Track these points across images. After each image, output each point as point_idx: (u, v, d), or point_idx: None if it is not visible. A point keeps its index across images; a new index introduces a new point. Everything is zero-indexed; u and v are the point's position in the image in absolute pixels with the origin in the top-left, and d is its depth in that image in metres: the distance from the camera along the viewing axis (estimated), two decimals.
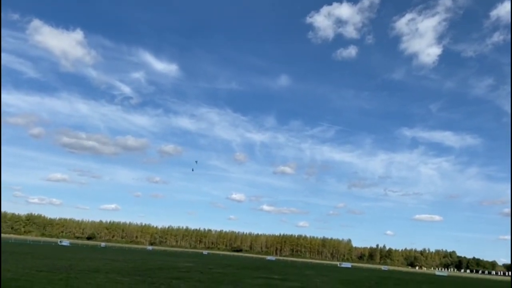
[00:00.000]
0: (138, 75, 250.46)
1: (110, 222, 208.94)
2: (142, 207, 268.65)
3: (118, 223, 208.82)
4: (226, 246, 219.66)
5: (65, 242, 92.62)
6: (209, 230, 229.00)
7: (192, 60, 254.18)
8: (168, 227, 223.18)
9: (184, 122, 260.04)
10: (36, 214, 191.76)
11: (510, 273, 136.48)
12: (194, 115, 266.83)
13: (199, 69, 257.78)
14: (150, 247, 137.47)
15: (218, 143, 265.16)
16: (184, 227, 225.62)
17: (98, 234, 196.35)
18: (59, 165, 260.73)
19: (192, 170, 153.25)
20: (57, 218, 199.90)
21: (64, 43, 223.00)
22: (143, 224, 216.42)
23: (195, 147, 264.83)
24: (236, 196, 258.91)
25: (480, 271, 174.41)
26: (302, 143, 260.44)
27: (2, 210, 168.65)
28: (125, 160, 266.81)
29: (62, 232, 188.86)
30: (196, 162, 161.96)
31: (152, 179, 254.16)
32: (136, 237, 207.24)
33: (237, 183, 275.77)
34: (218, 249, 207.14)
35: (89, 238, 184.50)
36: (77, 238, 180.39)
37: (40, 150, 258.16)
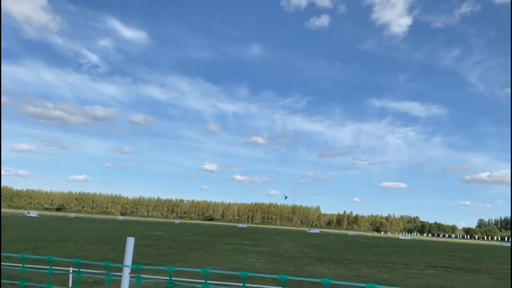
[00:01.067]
0: (105, 42, 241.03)
1: (79, 193, 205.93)
2: (112, 178, 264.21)
3: (88, 194, 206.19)
4: (198, 215, 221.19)
5: (33, 214, 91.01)
6: (181, 200, 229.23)
7: (161, 28, 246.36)
8: (139, 198, 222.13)
9: (154, 92, 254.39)
10: (2, 185, 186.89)
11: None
12: (164, 85, 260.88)
13: (169, 37, 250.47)
14: (121, 217, 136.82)
15: (190, 113, 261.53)
16: (156, 197, 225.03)
17: (67, 205, 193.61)
18: (25, 135, 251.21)
19: (285, 198, 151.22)
20: (25, 189, 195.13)
21: (26, 8, 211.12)
22: (114, 194, 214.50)
23: (165, 117, 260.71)
24: (209, 166, 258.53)
25: (441, 235, 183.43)
26: (274, 114, 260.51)
27: None
28: (93, 130, 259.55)
29: (30, 203, 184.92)
30: (286, 197, 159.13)
31: (122, 149, 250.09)
32: (107, 207, 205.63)
33: (209, 154, 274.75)
34: (190, 218, 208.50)
35: (58, 209, 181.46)
36: (46, 209, 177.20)
37: (4, 120, 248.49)
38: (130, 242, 2.75)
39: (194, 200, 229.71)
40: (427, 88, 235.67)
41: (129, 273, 2.78)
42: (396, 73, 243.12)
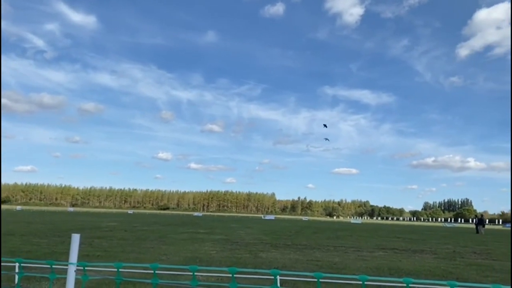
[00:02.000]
0: (52, 26, 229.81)
1: (26, 184, 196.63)
2: (61, 168, 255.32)
3: (35, 185, 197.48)
4: (152, 205, 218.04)
5: None
6: (135, 190, 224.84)
7: (112, 12, 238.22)
8: (91, 188, 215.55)
9: (105, 79, 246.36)
10: None
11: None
12: (115, 71, 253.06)
13: (120, 22, 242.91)
14: (71, 209, 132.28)
15: (143, 101, 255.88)
16: (108, 188, 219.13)
17: (13, 197, 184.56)
18: None
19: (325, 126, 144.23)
20: None
21: None
22: (63, 185, 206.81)
23: (117, 105, 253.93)
24: (163, 155, 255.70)
25: (390, 218, 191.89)
26: (229, 101, 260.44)
27: None
28: (40, 118, 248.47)
29: None
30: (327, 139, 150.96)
31: (71, 138, 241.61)
32: (56, 199, 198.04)
33: (163, 142, 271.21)
34: (144, 208, 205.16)
35: (3, 202, 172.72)
36: None
37: None
38: (75, 239, 2.67)
39: (148, 189, 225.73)
40: (377, 76, 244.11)
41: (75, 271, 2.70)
42: (348, 61, 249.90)
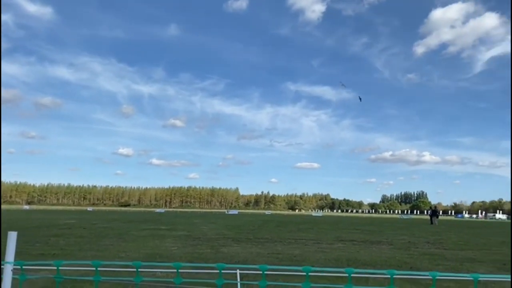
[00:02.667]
0: (5, 17, 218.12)
1: None
2: (16, 165, 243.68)
3: None
4: (113, 201, 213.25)
5: None
6: (94, 187, 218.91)
7: (69, 3, 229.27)
8: (48, 185, 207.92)
9: (62, 72, 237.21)
10: None
11: None
12: (73, 65, 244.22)
13: (79, 13, 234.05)
14: (27, 207, 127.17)
15: (102, 95, 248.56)
16: (66, 184, 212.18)
17: None
18: None
19: (360, 99, 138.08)
20: None
21: None
22: (18, 182, 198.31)
23: (76, 99, 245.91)
24: (124, 150, 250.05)
25: (349, 210, 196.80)
26: (192, 96, 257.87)
27: None
28: None
29: None
30: (360, 99, 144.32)
31: (27, 134, 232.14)
32: (10, 196, 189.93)
33: (124, 137, 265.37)
34: (105, 205, 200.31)
35: None
36: None
37: None
38: (12, 237, 2.59)
39: (108, 186, 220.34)
40: (338, 73, 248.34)
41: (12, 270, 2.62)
42: (310, 58, 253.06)
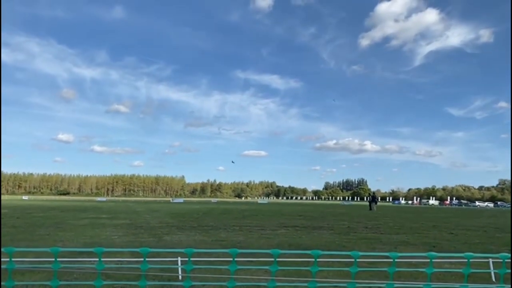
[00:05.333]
0: None
1: None
2: None
3: None
4: (51, 190, 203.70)
5: None
6: (30, 174, 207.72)
7: None
8: None
9: None
10: None
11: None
12: (8, 44, 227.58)
13: None
14: None
15: (40, 78, 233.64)
16: None
17: None
18: None
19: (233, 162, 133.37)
20: None
21: None
22: None
23: (11, 82, 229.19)
24: (63, 136, 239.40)
25: (294, 197, 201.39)
26: (137, 81, 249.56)
27: None
28: None
29: None
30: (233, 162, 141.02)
31: None
32: None
33: (64, 123, 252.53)
34: (42, 193, 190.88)
35: None
36: None
37: None
38: None
39: (46, 173, 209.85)
40: (286, 62, 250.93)
41: None
42: (259, 46, 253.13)
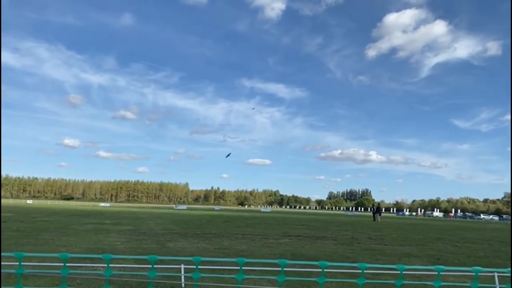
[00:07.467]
0: None
1: None
2: None
3: None
4: (55, 194, 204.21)
5: None
6: (35, 178, 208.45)
7: None
8: None
9: (6, 57, 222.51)
10: None
11: None
12: (17, 49, 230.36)
13: None
14: None
15: (48, 83, 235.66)
16: (4, 175, 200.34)
17: None
18: None
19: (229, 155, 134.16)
20: None
21: None
22: None
23: (19, 86, 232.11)
24: (69, 141, 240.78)
25: (297, 207, 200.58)
26: (144, 88, 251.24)
27: None
28: None
29: None
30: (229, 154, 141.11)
31: None
32: None
33: (70, 128, 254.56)
34: (46, 197, 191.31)
35: None
36: None
37: None
38: None
39: (50, 178, 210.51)
40: (292, 71, 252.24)
41: None
42: (265, 55, 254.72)
